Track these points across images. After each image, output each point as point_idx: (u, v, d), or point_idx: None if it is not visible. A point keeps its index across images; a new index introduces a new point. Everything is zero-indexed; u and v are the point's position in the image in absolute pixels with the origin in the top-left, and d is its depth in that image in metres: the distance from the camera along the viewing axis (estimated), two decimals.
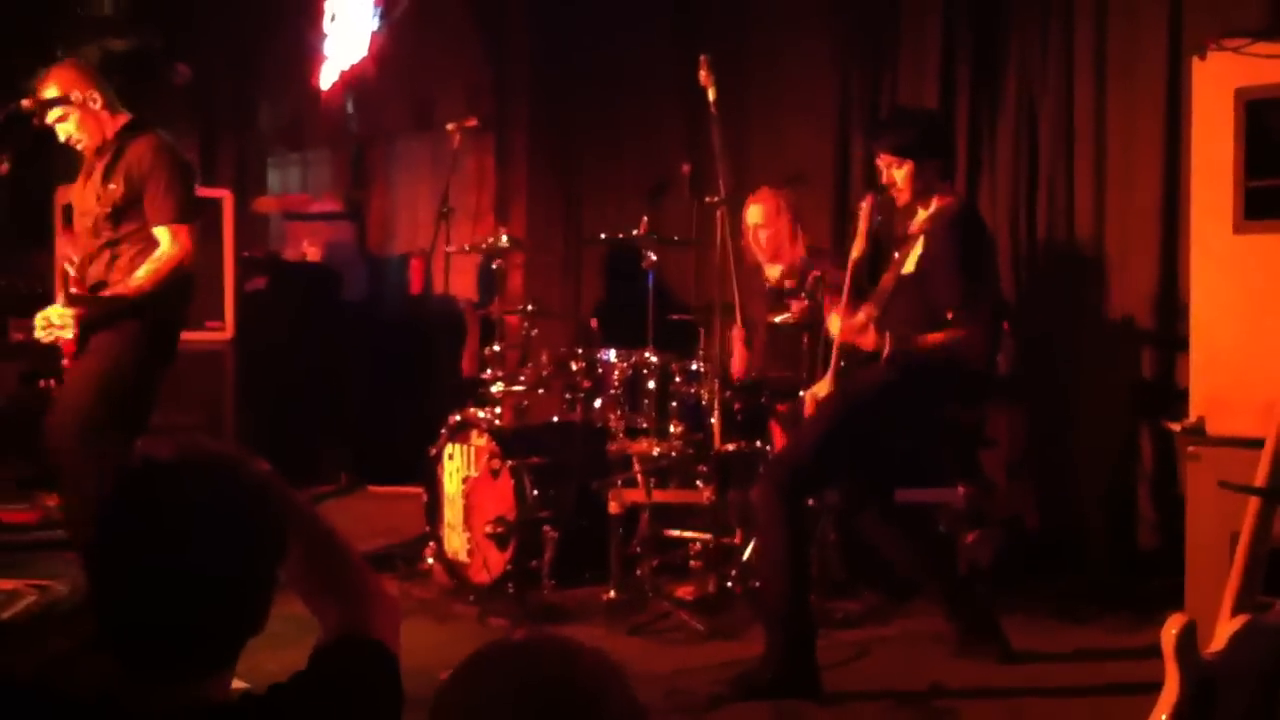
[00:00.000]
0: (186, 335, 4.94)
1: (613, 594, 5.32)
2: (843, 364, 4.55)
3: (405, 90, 8.83)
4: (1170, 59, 5.47)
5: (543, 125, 8.19)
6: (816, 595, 4.98)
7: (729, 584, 5.33)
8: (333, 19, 8.12)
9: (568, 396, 5.88)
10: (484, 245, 6.13)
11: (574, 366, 5.86)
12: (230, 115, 8.77)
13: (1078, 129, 5.82)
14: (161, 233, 4.66)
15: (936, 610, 4.78)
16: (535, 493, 5.52)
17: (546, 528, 5.43)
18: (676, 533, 5.66)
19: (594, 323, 6.66)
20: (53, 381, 5.06)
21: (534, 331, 6.13)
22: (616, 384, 5.67)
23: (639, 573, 5.42)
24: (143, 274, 4.64)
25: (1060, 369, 5.90)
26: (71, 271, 4.72)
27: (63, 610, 4.37)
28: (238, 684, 1.73)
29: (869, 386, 4.47)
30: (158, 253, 4.66)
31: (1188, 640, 2.88)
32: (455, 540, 5.77)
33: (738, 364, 5.78)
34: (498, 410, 5.80)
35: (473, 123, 6.35)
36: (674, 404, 5.55)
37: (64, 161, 4.90)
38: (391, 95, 8.83)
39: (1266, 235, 4.42)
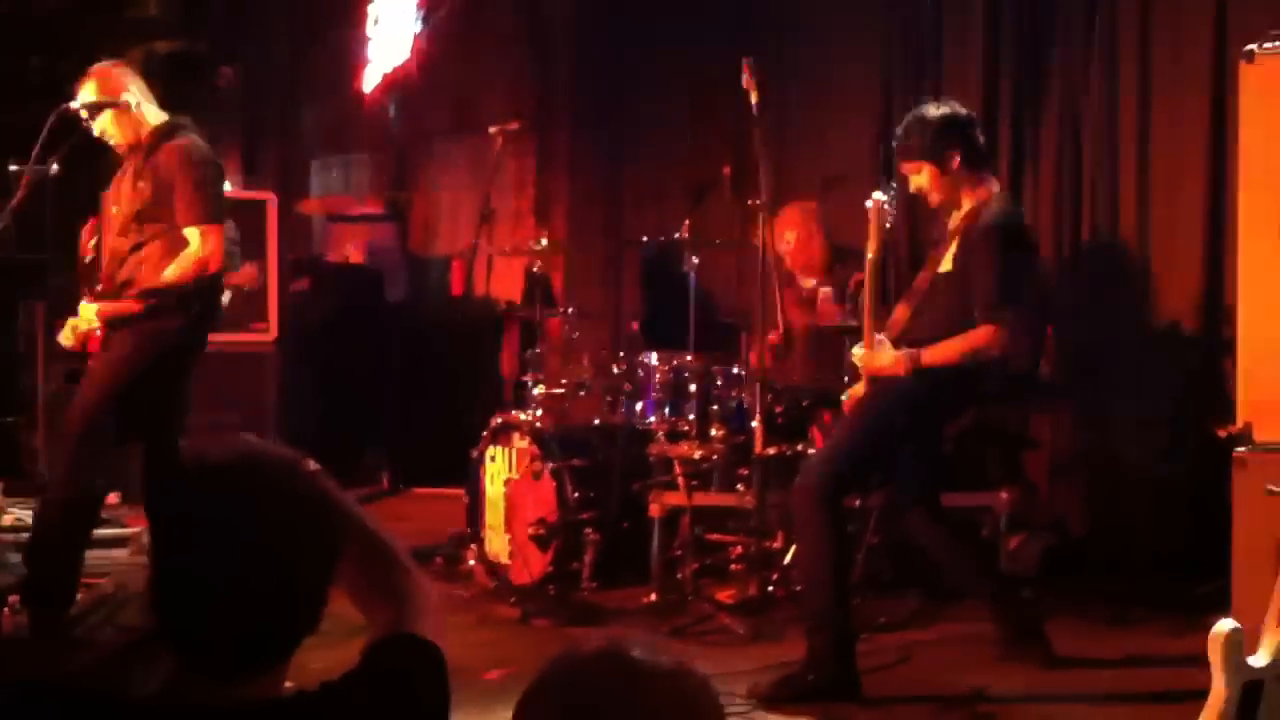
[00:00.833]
0: (231, 336, 4.98)
1: (654, 596, 5.33)
2: None
3: (447, 93, 8.85)
4: (1215, 62, 5.44)
5: (585, 128, 8.20)
6: (861, 596, 4.97)
7: (770, 587, 5.32)
8: (375, 23, 8.16)
9: (609, 399, 5.90)
10: (525, 247, 6.15)
11: (615, 369, 5.87)
12: (274, 118, 8.82)
13: (1122, 133, 5.79)
14: (191, 233, 4.66)
15: (979, 614, 4.76)
16: (576, 495, 5.53)
17: (588, 530, 5.45)
18: (717, 536, 5.67)
19: (634, 325, 6.66)
20: None
21: (575, 334, 6.15)
22: (658, 387, 5.67)
23: (680, 575, 5.43)
24: (170, 274, 4.66)
25: (1105, 372, 5.86)
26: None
27: (111, 607, 4.41)
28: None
29: (899, 391, 4.44)
30: (186, 253, 4.66)
31: (1234, 645, 2.87)
32: (496, 542, 5.78)
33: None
34: (539, 412, 5.82)
35: (515, 125, 6.35)
36: (715, 407, 5.55)
37: (116, 164, 4.93)
38: (434, 98, 8.85)
39: None
